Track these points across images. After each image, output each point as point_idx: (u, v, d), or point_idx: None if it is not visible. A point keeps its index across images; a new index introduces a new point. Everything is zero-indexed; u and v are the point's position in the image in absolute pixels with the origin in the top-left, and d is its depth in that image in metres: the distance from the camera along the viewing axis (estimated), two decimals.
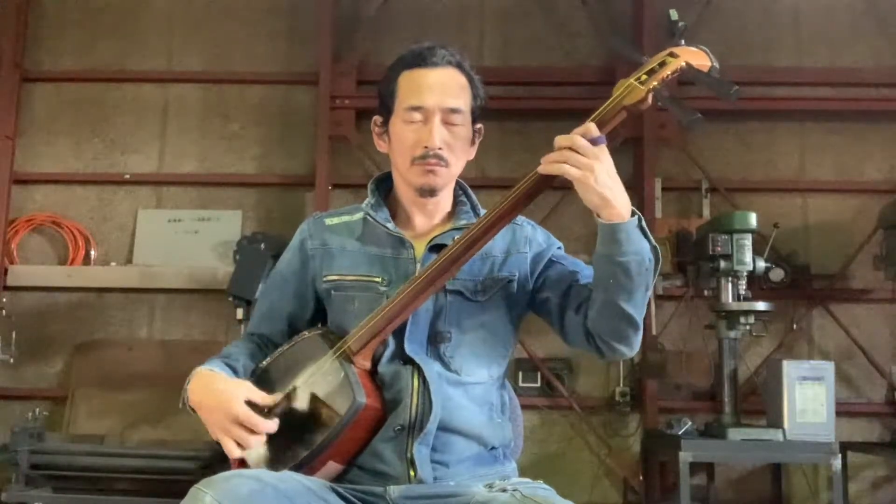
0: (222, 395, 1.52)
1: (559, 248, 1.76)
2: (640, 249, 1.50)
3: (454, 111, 1.66)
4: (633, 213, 1.50)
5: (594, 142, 1.45)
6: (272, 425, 1.51)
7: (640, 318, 1.55)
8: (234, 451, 1.51)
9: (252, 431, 1.50)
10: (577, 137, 1.45)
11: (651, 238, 1.53)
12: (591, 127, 1.47)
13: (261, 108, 4.45)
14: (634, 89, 1.49)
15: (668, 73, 1.49)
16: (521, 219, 1.72)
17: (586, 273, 1.64)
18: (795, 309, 4.17)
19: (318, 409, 1.53)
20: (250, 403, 1.52)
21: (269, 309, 1.79)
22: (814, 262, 4.23)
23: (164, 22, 4.52)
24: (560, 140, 1.47)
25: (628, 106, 1.49)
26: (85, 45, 4.50)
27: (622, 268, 1.49)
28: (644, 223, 1.53)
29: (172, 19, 4.52)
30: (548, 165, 1.47)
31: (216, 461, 1.61)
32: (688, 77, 1.51)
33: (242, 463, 1.55)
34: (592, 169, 1.44)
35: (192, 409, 1.58)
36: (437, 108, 1.64)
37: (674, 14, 1.56)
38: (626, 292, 1.51)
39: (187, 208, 4.37)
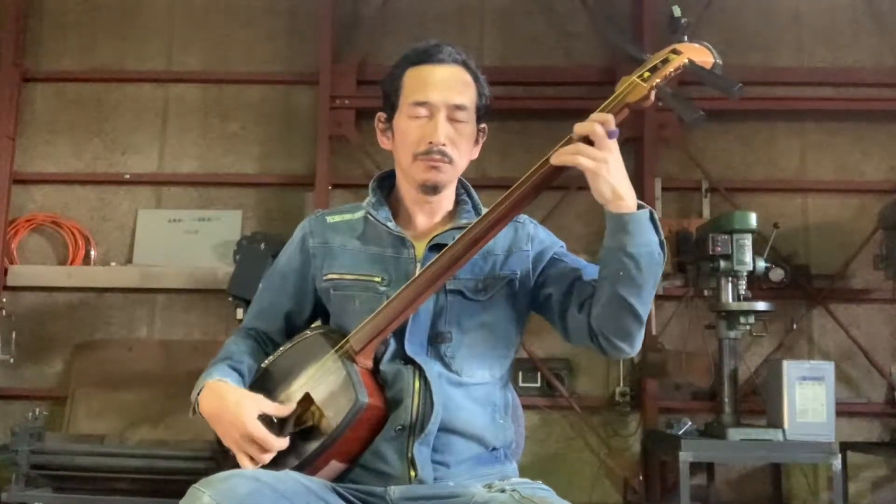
0: (235, 410, 1.51)
1: (561, 246, 1.75)
2: (649, 241, 1.50)
3: (459, 108, 1.64)
4: (641, 207, 1.51)
5: (609, 134, 1.45)
6: (285, 443, 1.50)
7: (645, 316, 1.54)
8: (247, 466, 1.50)
9: (265, 449, 1.50)
10: (596, 126, 1.45)
11: (661, 232, 1.53)
12: (609, 118, 1.46)
13: (261, 108, 4.45)
14: (637, 86, 1.48)
15: (671, 70, 1.48)
16: (522, 217, 1.70)
17: (589, 271, 1.63)
18: (795, 309, 4.17)
19: (321, 408, 1.52)
20: (263, 416, 1.51)
21: (269, 305, 1.77)
22: (814, 262, 4.23)
23: (163, 22, 4.52)
24: (579, 128, 1.46)
25: (631, 103, 1.48)
26: (85, 45, 4.50)
27: (633, 259, 1.48)
28: (655, 216, 1.52)
29: (172, 19, 4.52)
30: (563, 157, 1.47)
31: (219, 460, 1.60)
32: (691, 74, 1.49)
33: None
34: (606, 161, 1.44)
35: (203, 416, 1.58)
36: (442, 105, 1.63)
37: (676, 10, 1.54)
38: (636, 286, 1.50)
39: (187, 208, 4.37)
